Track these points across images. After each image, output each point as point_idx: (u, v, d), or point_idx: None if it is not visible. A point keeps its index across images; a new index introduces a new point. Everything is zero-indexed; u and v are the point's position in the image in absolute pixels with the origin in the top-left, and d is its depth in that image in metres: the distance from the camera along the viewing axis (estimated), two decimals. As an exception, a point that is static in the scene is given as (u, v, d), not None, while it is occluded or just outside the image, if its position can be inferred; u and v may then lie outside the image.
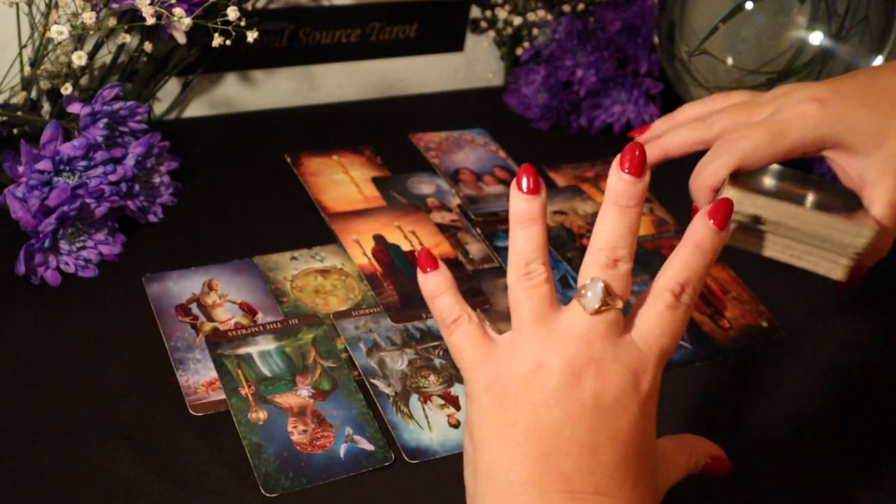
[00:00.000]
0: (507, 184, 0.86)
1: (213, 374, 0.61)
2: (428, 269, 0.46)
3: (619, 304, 0.43)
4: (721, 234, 0.43)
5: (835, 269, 0.51)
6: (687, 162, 0.94)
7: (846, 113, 0.53)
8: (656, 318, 0.43)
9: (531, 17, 0.96)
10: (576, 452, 0.40)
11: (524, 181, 0.44)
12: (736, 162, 0.54)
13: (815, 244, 0.52)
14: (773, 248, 0.53)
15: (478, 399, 0.43)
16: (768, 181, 0.56)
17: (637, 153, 0.44)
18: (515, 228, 0.44)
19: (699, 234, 0.43)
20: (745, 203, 0.52)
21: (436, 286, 0.45)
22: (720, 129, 0.57)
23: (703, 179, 0.55)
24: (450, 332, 0.45)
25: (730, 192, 0.52)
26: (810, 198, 0.55)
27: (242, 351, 0.63)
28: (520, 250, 0.44)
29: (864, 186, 0.54)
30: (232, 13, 0.69)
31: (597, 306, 0.42)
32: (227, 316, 0.66)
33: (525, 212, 0.44)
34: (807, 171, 0.71)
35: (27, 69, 0.72)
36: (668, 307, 0.43)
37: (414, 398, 0.62)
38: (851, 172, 0.55)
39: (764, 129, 0.54)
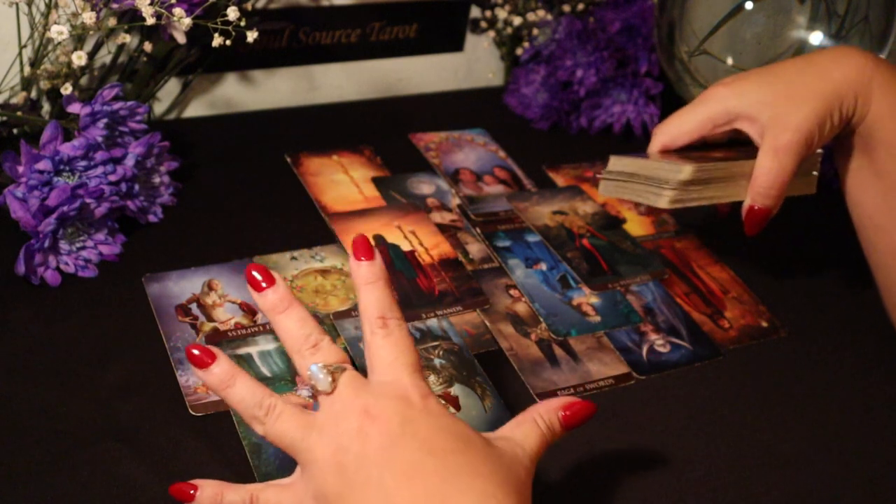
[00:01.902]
0: (507, 184, 0.86)
1: (213, 374, 0.61)
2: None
3: (347, 367, 0.48)
4: (375, 262, 0.49)
5: (660, 199, 0.65)
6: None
7: (744, 88, 0.65)
8: (382, 349, 0.48)
9: (531, 17, 0.96)
10: (405, 484, 0.43)
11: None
12: (663, 140, 0.68)
13: (651, 183, 0.66)
14: (629, 192, 0.68)
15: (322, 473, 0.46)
16: (698, 150, 0.69)
17: (255, 272, 0.50)
18: (225, 394, 0.48)
19: (359, 274, 0.49)
20: (617, 164, 0.69)
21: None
22: None
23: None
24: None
25: (609, 161, 0.69)
26: (705, 155, 0.67)
27: (242, 351, 0.63)
28: (244, 405, 0.47)
29: (760, 143, 0.65)
30: (232, 13, 0.69)
31: (330, 381, 0.47)
32: (227, 316, 0.66)
33: (220, 380, 0.48)
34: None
35: (27, 69, 0.72)
36: (383, 337, 0.48)
37: (414, 398, 0.62)
38: (754, 136, 0.65)
39: (681, 112, 0.68)
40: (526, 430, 0.49)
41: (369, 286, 0.49)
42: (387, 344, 0.48)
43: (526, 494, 0.46)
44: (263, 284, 0.49)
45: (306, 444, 0.46)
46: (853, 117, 0.64)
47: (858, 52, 0.64)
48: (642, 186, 0.66)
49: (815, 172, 0.70)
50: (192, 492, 0.48)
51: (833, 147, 0.68)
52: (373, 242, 0.49)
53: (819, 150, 0.67)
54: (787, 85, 0.64)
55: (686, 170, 0.63)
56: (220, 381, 0.47)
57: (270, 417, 0.47)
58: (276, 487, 0.48)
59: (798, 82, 0.64)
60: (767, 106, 0.64)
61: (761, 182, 0.64)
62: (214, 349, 0.48)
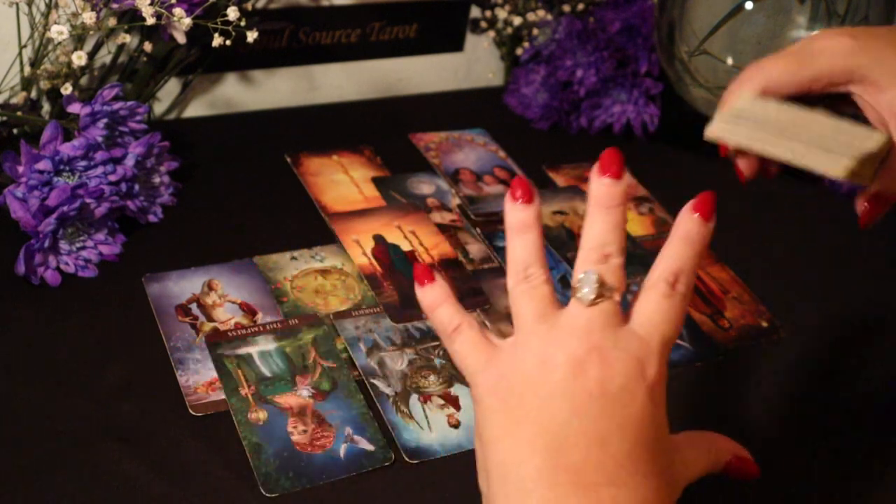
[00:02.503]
0: (507, 184, 0.86)
1: (213, 374, 0.61)
2: (425, 282, 0.47)
3: (616, 296, 0.43)
4: (707, 225, 0.45)
5: (835, 167, 0.50)
6: (686, 163, 0.94)
7: (877, 49, 0.54)
8: (654, 306, 0.44)
9: (531, 17, 0.96)
10: (584, 444, 0.41)
11: (518, 192, 0.46)
12: (762, 84, 0.55)
13: (820, 144, 0.51)
14: (777, 149, 0.52)
15: (484, 402, 0.43)
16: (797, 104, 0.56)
17: (614, 156, 0.47)
18: (512, 236, 0.45)
19: (685, 227, 0.45)
20: (757, 105, 0.53)
21: (434, 298, 0.47)
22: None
23: (728, 103, 0.56)
24: (451, 342, 0.46)
25: (743, 95, 0.54)
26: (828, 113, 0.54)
27: (242, 351, 0.63)
28: (517, 256, 0.45)
29: (889, 120, 0.54)
30: (232, 13, 0.69)
31: (593, 297, 0.43)
32: (227, 316, 0.66)
33: (520, 221, 0.45)
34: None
35: (27, 69, 0.72)
36: (663, 296, 0.44)
37: (414, 398, 0.62)
38: (878, 107, 0.55)
39: (793, 56, 0.55)
40: (697, 456, 0.47)
41: (685, 243, 0.45)
42: (663, 305, 0.44)
43: None
44: (616, 174, 0.47)
45: (530, 331, 0.44)
46: None
47: None
48: (797, 143, 0.52)
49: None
50: (426, 282, 0.47)
51: None
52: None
53: None
54: None
55: (876, 138, 0.50)
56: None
57: (523, 285, 0.44)
58: (480, 337, 0.45)
59: None
60: None
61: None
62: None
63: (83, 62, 0.67)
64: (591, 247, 0.44)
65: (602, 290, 0.43)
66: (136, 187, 0.71)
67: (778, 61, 0.56)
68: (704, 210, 0.45)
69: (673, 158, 0.94)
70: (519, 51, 0.98)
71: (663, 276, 0.44)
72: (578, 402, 0.41)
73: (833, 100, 0.57)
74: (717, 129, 0.53)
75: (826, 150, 0.51)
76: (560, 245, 0.78)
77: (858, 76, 0.54)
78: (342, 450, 0.57)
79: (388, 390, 0.62)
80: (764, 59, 0.57)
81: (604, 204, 0.45)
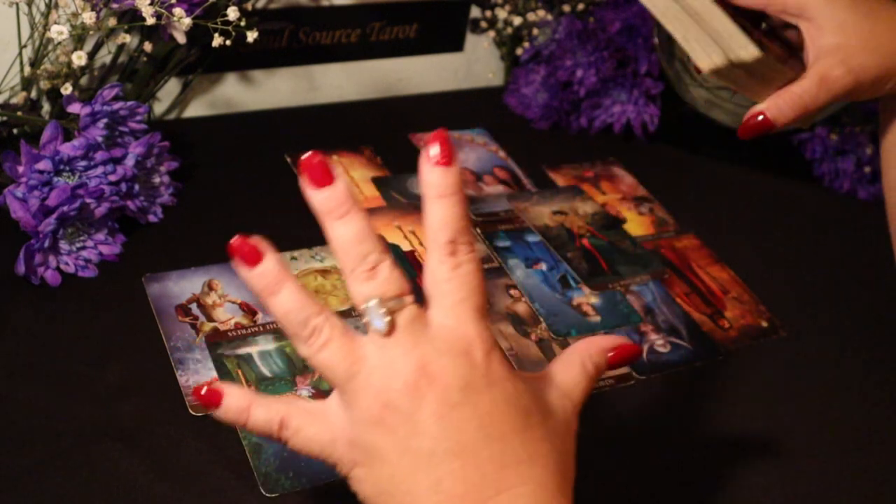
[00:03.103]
0: (507, 184, 0.86)
1: (213, 374, 0.61)
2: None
3: (406, 302, 0.41)
4: (450, 170, 0.41)
5: (706, 59, 0.56)
6: (686, 163, 0.94)
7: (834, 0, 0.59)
8: (448, 284, 0.41)
9: (531, 17, 0.96)
10: (458, 467, 0.39)
11: (249, 257, 0.43)
12: None
13: (709, 37, 0.56)
14: (675, 24, 0.57)
15: (356, 477, 0.42)
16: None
17: (320, 165, 0.43)
18: (268, 302, 0.43)
19: (432, 182, 0.41)
20: None
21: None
22: None
23: None
24: (286, 438, 0.44)
25: None
26: (760, 31, 0.61)
27: (242, 351, 0.63)
28: (288, 319, 0.42)
29: (812, 63, 0.59)
30: (232, 13, 0.69)
31: (387, 322, 0.40)
32: (227, 316, 0.66)
33: (265, 285, 0.43)
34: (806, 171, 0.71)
35: (27, 69, 0.72)
36: (450, 269, 0.41)
37: (414, 398, 0.62)
38: (810, 45, 0.60)
39: None
40: (574, 377, 0.45)
41: (442, 200, 0.41)
42: (455, 278, 0.41)
43: (572, 468, 0.43)
44: (321, 180, 0.42)
45: (352, 386, 0.41)
46: None
47: None
48: (693, 30, 0.57)
49: (822, 113, 0.65)
50: (219, 399, 0.43)
51: (881, 119, 0.65)
52: (456, 151, 0.41)
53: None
54: (873, 24, 0.58)
55: (752, 51, 0.56)
56: (264, 285, 0.42)
57: (315, 342, 0.41)
58: (309, 416, 0.43)
59: (885, 28, 0.58)
60: (842, 31, 0.58)
61: (787, 98, 0.59)
62: (266, 247, 0.42)
63: (83, 62, 0.67)
64: (352, 266, 0.41)
65: (391, 308, 0.41)
66: (136, 187, 0.71)
67: None
68: (443, 156, 0.41)
69: (673, 158, 0.94)
70: (519, 51, 0.98)
71: (441, 249, 0.41)
72: (431, 428, 0.40)
73: (784, 29, 0.62)
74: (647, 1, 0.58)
75: (710, 43, 0.56)
76: (560, 245, 0.78)
77: (808, 14, 0.59)
78: (342, 450, 0.57)
79: (388, 390, 0.62)
80: None
81: (335, 214, 0.42)
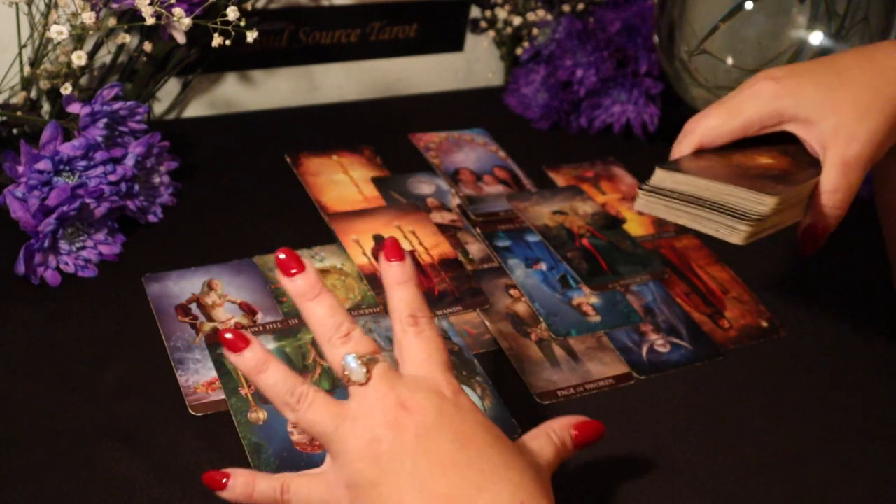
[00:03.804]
0: (507, 184, 0.86)
1: (213, 374, 0.61)
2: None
3: (379, 358, 0.47)
4: (405, 263, 0.50)
5: (734, 233, 0.54)
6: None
7: (799, 88, 0.58)
8: (414, 348, 0.48)
9: (531, 17, 0.96)
10: (439, 472, 0.44)
11: (237, 345, 0.48)
12: (697, 140, 0.60)
13: (720, 211, 0.55)
14: (686, 218, 0.57)
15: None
16: (738, 151, 0.61)
17: (290, 255, 0.49)
18: (257, 379, 0.47)
19: (390, 274, 0.50)
20: (667, 180, 0.57)
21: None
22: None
23: (673, 156, 0.61)
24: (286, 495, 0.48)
25: (655, 173, 0.58)
26: (759, 165, 0.59)
27: (242, 351, 0.63)
28: (276, 392, 0.47)
29: (820, 152, 0.58)
30: (232, 13, 0.69)
31: (364, 372, 0.46)
32: (227, 316, 0.66)
33: (254, 365, 0.47)
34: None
35: (27, 69, 0.72)
36: (415, 336, 0.48)
37: (414, 398, 0.62)
38: (811, 142, 0.58)
39: (723, 108, 0.60)
40: (541, 444, 0.50)
41: (400, 286, 0.49)
42: (419, 342, 0.48)
43: (551, 497, 0.47)
44: (293, 270, 0.49)
45: (339, 435, 0.46)
46: None
47: None
48: (704, 212, 0.56)
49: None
50: (223, 480, 0.48)
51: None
52: (405, 246, 0.51)
53: None
54: (851, 87, 0.57)
55: (768, 202, 0.53)
56: (252, 366, 0.47)
57: (303, 405, 0.46)
58: (306, 477, 0.48)
59: (863, 84, 0.57)
60: (831, 112, 0.57)
61: (828, 201, 0.57)
62: (248, 334, 0.48)
63: (83, 62, 0.67)
64: (329, 336, 0.48)
65: (366, 363, 0.47)
66: (136, 187, 0.71)
67: (710, 116, 0.60)
68: (393, 253, 0.50)
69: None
70: (519, 51, 0.98)
71: (404, 321, 0.49)
72: (413, 448, 0.44)
73: (780, 135, 0.60)
74: (640, 205, 0.58)
75: (727, 216, 0.55)
76: (560, 245, 0.78)
77: (788, 116, 0.58)
78: (342, 450, 0.57)
79: (388, 390, 0.62)
80: (701, 112, 0.61)
81: (308, 296, 0.49)
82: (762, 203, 0.54)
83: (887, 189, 0.64)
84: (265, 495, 0.48)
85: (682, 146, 0.61)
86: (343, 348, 0.47)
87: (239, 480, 0.48)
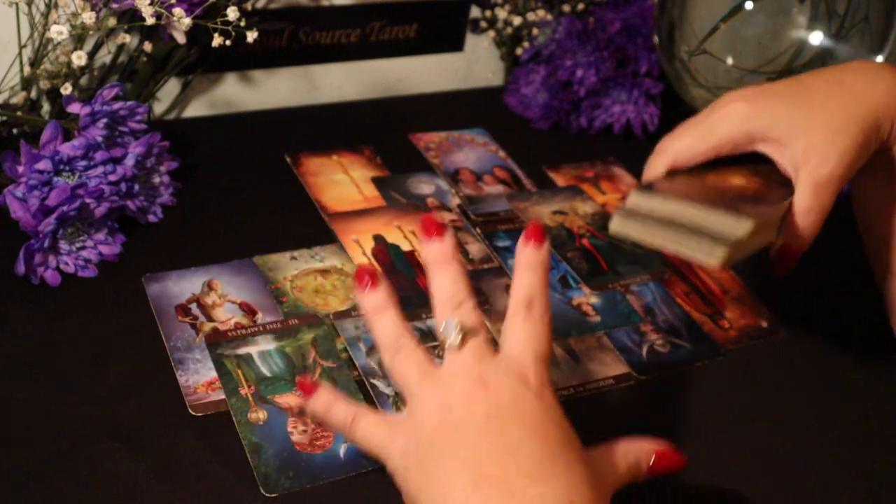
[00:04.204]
0: (507, 184, 0.86)
1: (213, 374, 0.61)
2: (312, 392, 0.51)
3: (480, 335, 0.49)
4: (541, 250, 0.50)
5: (711, 257, 0.53)
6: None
7: (771, 108, 0.58)
8: (518, 330, 0.49)
9: (531, 17, 0.96)
10: (497, 455, 0.44)
11: (366, 279, 0.51)
12: (670, 160, 0.60)
13: (697, 234, 0.54)
14: (663, 239, 0.55)
15: (400, 467, 0.47)
16: (711, 172, 0.60)
17: (434, 222, 0.51)
18: (372, 318, 0.50)
19: (524, 256, 0.50)
20: (644, 204, 0.56)
21: (322, 403, 0.51)
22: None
23: (646, 176, 0.61)
24: (353, 433, 0.51)
25: (631, 196, 0.56)
26: (733, 186, 0.58)
27: (242, 351, 0.63)
28: (385, 333, 0.50)
29: (793, 174, 0.58)
30: (232, 13, 0.69)
31: (460, 340, 0.48)
32: (226, 316, 0.66)
33: (375, 305, 0.50)
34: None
35: (27, 69, 0.72)
36: (524, 320, 0.49)
37: (414, 398, 0.62)
38: (783, 163, 0.59)
39: (694, 129, 0.60)
40: (614, 461, 0.49)
41: (529, 270, 0.50)
42: (526, 327, 0.49)
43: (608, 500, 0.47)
44: (433, 235, 0.50)
45: (419, 390, 0.48)
46: (887, 141, 0.59)
47: (887, 71, 0.59)
48: (681, 236, 0.55)
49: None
50: (314, 390, 0.51)
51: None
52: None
53: None
54: (821, 108, 0.57)
55: (744, 226, 0.53)
56: (373, 306, 0.50)
57: (401, 354, 0.49)
58: (376, 417, 0.50)
59: (833, 106, 0.57)
60: (801, 132, 0.57)
61: (801, 222, 0.58)
62: (380, 277, 0.51)
63: (83, 62, 0.67)
64: (443, 300, 0.50)
65: (465, 332, 0.48)
66: (136, 187, 0.71)
67: (682, 137, 0.60)
68: (536, 238, 0.50)
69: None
70: (519, 51, 0.98)
71: (519, 304, 0.49)
72: (479, 424, 0.45)
73: (750, 154, 0.60)
74: (615, 226, 0.56)
75: (703, 239, 0.53)
76: (560, 245, 0.78)
77: (759, 137, 0.58)
78: (342, 450, 0.57)
79: (387, 390, 0.62)
80: (673, 131, 0.61)
81: (440, 261, 0.50)
82: (740, 226, 0.53)
83: (866, 205, 0.65)
84: (338, 417, 0.51)
85: (655, 166, 0.60)
86: (451, 312, 0.49)
87: (323, 397, 0.51)
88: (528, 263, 0.50)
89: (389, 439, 0.48)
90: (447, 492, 0.44)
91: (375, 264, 0.72)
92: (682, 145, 0.60)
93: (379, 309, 0.50)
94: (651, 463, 0.50)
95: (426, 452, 0.46)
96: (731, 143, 0.59)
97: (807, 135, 0.57)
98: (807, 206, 0.57)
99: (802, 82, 0.59)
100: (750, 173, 0.60)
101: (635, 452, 0.50)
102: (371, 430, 0.50)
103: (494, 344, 0.49)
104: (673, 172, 0.60)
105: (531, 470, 0.44)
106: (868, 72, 0.59)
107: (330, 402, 0.51)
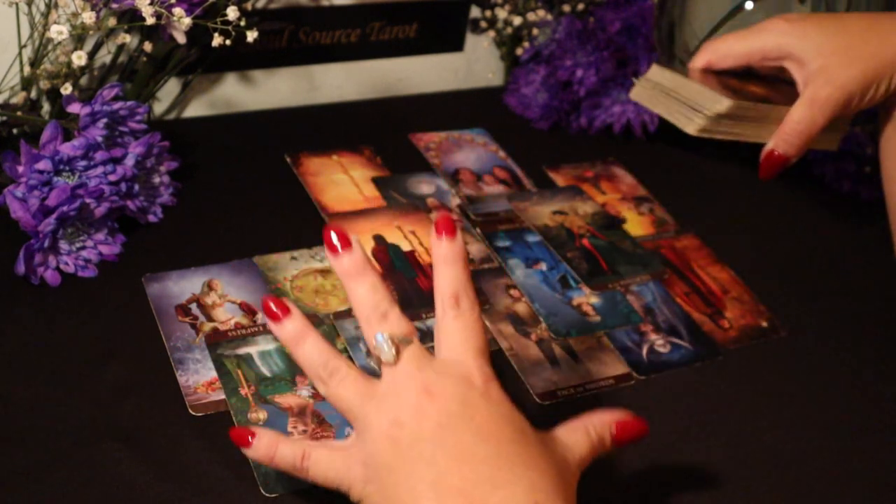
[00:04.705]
0: (507, 184, 0.86)
1: (213, 374, 0.61)
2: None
3: (413, 340, 0.47)
4: (455, 241, 0.49)
5: (689, 124, 0.64)
6: (686, 163, 0.94)
7: (804, 30, 0.64)
8: (451, 330, 0.48)
9: (531, 17, 0.96)
10: (455, 466, 0.43)
11: (276, 311, 0.48)
12: (708, 57, 0.68)
13: (686, 104, 0.65)
14: (660, 107, 0.67)
15: (366, 492, 0.46)
16: (740, 78, 0.69)
17: (338, 231, 0.49)
18: (295, 348, 0.48)
19: (439, 251, 0.49)
20: (657, 75, 0.68)
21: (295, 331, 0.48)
22: None
23: (689, 67, 0.70)
24: (303, 470, 0.49)
25: (652, 68, 0.69)
26: (747, 88, 0.67)
27: (242, 351, 0.63)
28: (312, 361, 0.48)
29: (802, 89, 0.64)
30: (232, 13, 0.69)
31: (394, 353, 0.47)
32: (226, 316, 0.66)
33: (295, 332, 0.48)
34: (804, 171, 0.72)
35: (27, 69, 0.72)
36: (454, 318, 0.48)
37: (414, 398, 0.62)
38: (799, 80, 0.65)
39: (736, 35, 0.67)
40: (577, 438, 0.49)
41: (447, 264, 0.49)
42: (457, 325, 0.48)
43: (571, 498, 0.46)
44: (340, 248, 0.48)
45: (364, 412, 0.46)
46: None
47: None
48: (675, 104, 0.65)
49: (841, 132, 0.70)
50: (250, 438, 0.48)
51: (881, 119, 0.68)
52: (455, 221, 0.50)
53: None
54: (847, 39, 0.62)
55: (725, 103, 0.63)
56: (291, 337, 0.48)
57: (334, 380, 0.47)
58: (327, 448, 0.48)
59: (859, 40, 0.62)
60: (821, 55, 0.62)
61: (788, 129, 0.64)
62: (290, 304, 0.48)
63: (83, 62, 0.67)
64: (367, 314, 0.48)
65: (398, 343, 0.47)
66: (136, 187, 0.71)
67: (723, 40, 0.68)
68: (447, 230, 0.49)
69: (673, 158, 0.94)
70: (519, 51, 0.98)
71: (445, 301, 0.48)
72: (432, 436, 0.44)
73: (779, 74, 0.68)
74: (633, 93, 0.69)
75: (689, 110, 0.64)
76: (560, 245, 0.78)
77: (786, 52, 0.64)
78: (342, 450, 0.57)
79: (388, 390, 0.62)
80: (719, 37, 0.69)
81: (353, 274, 0.48)
82: (719, 102, 0.63)
83: (889, 158, 0.67)
84: (285, 459, 0.48)
85: (696, 60, 0.68)
86: (378, 327, 0.47)
87: (263, 441, 0.48)
88: (444, 257, 0.49)
89: (346, 470, 0.47)
90: None
91: (375, 264, 0.72)
92: (721, 45, 0.67)
93: (298, 337, 0.48)
94: (614, 434, 0.50)
95: (385, 477, 0.45)
96: (761, 52, 0.65)
97: (823, 57, 0.62)
98: (798, 116, 0.63)
99: (843, 17, 0.65)
100: (769, 87, 0.68)
101: (596, 427, 0.49)
102: (324, 465, 0.48)
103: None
104: (707, 71, 0.68)
105: (491, 475, 0.43)
106: None
107: (273, 447, 0.48)
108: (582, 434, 0.49)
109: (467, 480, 0.43)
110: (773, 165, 0.65)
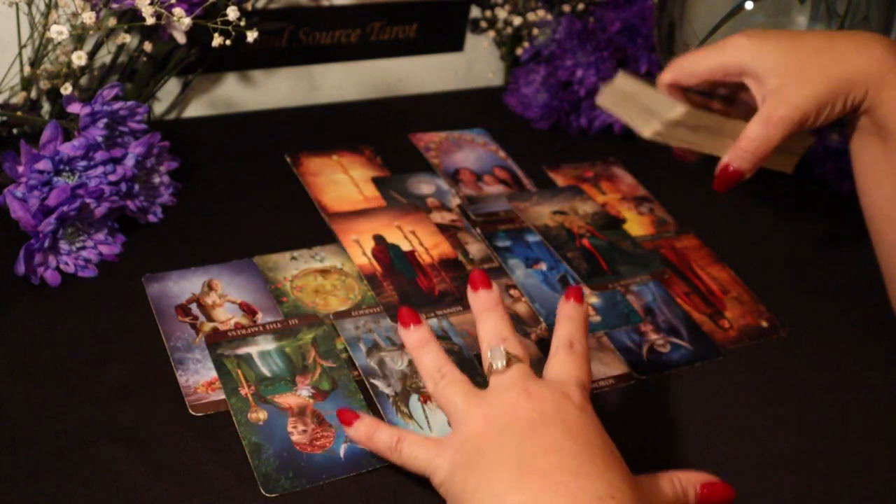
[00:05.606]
0: (507, 184, 0.86)
1: (213, 374, 0.61)
2: (352, 422, 0.55)
3: (525, 362, 0.52)
4: (580, 306, 0.56)
5: (645, 128, 0.66)
6: (687, 166, 0.94)
7: (764, 48, 0.65)
8: (561, 362, 0.53)
9: (531, 17, 0.96)
10: (542, 453, 0.47)
11: (406, 319, 0.55)
12: (672, 74, 0.68)
13: (645, 109, 0.67)
14: (622, 111, 0.69)
15: (446, 480, 0.50)
16: (704, 96, 0.71)
17: (482, 275, 0.56)
18: (416, 352, 0.54)
19: (565, 311, 0.56)
20: (622, 82, 0.70)
21: (365, 429, 0.54)
22: None
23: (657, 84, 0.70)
24: (398, 454, 0.53)
25: (617, 76, 0.71)
26: (707, 103, 0.69)
27: (242, 351, 0.63)
28: (429, 364, 0.54)
29: (759, 105, 0.65)
30: (232, 13, 0.69)
31: (505, 362, 0.52)
32: (226, 316, 0.66)
33: (417, 339, 0.54)
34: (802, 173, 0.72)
35: (27, 69, 0.72)
36: (566, 354, 0.53)
37: (414, 398, 0.62)
38: (757, 97, 0.66)
39: (698, 52, 0.68)
40: (660, 483, 0.51)
41: (571, 320, 0.55)
42: (568, 359, 0.53)
43: None
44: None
45: (465, 408, 0.51)
46: (860, 106, 0.64)
47: (882, 43, 0.63)
48: (635, 110, 0.68)
49: (797, 155, 0.71)
50: (353, 420, 0.55)
51: (849, 134, 0.68)
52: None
53: (812, 137, 0.70)
54: (802, 59, 0.63)
55: (678, 109, 0.65)
56: (416, 341, 0.54)
57: (444, 380, 0.53)
58: (421, 437, 0.53)
59: (813, 60, 0.63)
60: (777, 74, 0.64)
61: (744, 145, 0.65)
62: (420, 316, 0.55)
63: (83, 62, 0.67)
64: (490, 337, 0.54)
65: (510, 357, 0.52)
66: (136, 187, 0.71)
67: (688, 56, 0.68)
68: (576, 297, 0.56)
69: (673, 158, 0.94)
70: (519, 51, 0.98)
71: (560, 344, 0.54)
72: (523, 428, 0.48)
73: (738, 90, 0.69)
74: (599, 99, 0.71)
75: (647, 115, 0.66)
76: (560, 245, 0.78)
77: (746, 70, 0.65)
78: (342, 450, 0.57)
79: (387, 390, 0.62)
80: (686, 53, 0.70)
81: (486, 308, 0.55)
82: (672, 109, 0.65)
83: (860, 173, 0.68)
84: (382, 440, 0.53)
85: (662, 77, 0.70)
86: (496, 343, 0.53)
87: (364, 422, 0.54)
88: (569, 315, 0.55)
89: (436, 454, 0.51)
90: (491, 485, 0.46)
91: (376, 264, 0.72)
92: (685, 62, 0.68)
93: (422, 342, 0.54)
94: (699, 493, 0.51)
95: (472, 458, 0.48)
96: (722, 69, 0.66)
97: (778, 76, 0.63)
98: (753, 133, 0.64)
99: (802, 35, 0.66)
100: (728, 105, 0.69)
101: (682, 482, 0.51)
102: (416, 449, 0.52)
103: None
104: (673, 87, 0.69)
105: (574, 467, 0.46)
106: (860, 39, 0.64)
107: (372, 429, 0.54)
108: (667, 482, 0.51)
109: (551, 465, 0.46)
110: (728, 179, 0.66)
